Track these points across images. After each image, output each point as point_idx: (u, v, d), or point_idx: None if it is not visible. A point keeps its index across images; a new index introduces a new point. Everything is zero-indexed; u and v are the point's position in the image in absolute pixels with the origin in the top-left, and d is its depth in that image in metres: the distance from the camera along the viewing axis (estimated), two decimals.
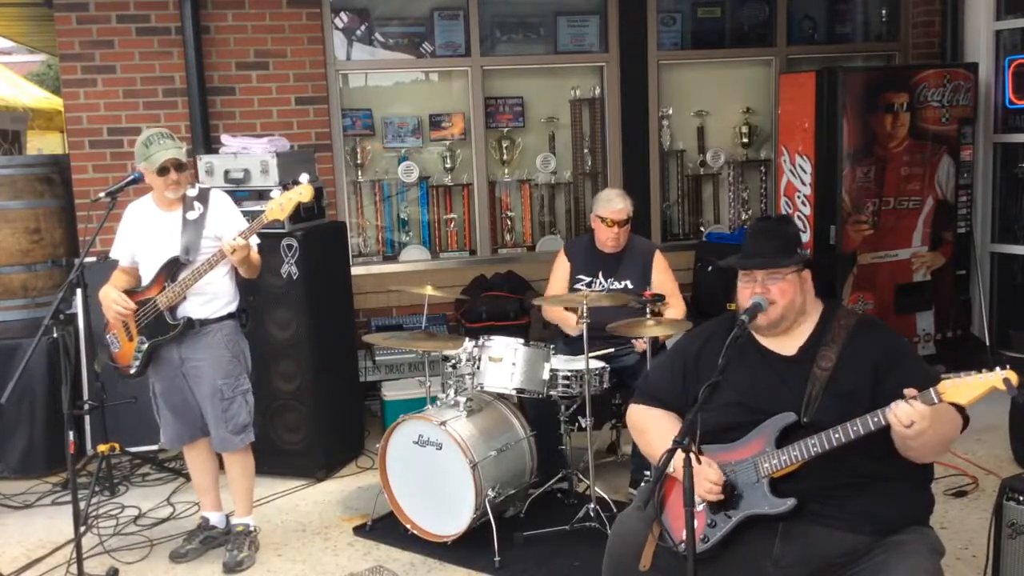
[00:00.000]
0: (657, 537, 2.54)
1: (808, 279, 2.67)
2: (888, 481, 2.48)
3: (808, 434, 2.45)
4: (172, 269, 3.78)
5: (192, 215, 3.83)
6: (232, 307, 3.93)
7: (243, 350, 3.99)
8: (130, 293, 3.84)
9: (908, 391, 2.30)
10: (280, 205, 3.69)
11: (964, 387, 2.26)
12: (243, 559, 3.95)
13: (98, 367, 4.03)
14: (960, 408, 2.39)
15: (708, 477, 2.49)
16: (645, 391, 2.87)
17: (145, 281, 3.86)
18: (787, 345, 2.65)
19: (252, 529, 4.09)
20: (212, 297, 3.85)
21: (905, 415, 2.28)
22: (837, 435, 2.39)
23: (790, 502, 2.47)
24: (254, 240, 3.82)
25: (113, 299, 3.79)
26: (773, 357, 2.65)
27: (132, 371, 3.89)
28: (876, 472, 2.46)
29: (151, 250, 3.84)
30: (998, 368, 2.24)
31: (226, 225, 3.83)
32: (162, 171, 3.74)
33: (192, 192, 3.88)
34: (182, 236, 3.79)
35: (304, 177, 3.71)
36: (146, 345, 3.82)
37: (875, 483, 2.46)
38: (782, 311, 2.60)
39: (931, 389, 2.29)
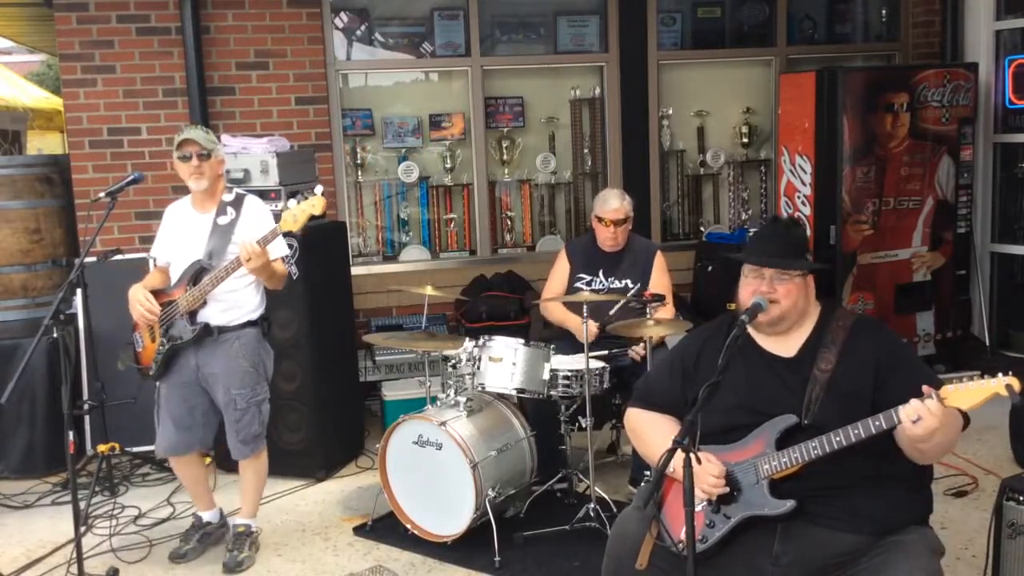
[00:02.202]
0: (655, 537, 2.54)
1: (812, 282, 2.68)
2: (888, 481, 2.48)
3: (808, 436, 2.45)
4: (194, 273, 3.76)
5: (223, 220, 3.81)
6: (254, 315, 3.89)
7: (263, 359, 3.94)
8: (158, 294, 3.82)
9: (925, 388, 2.30)
10: (294, 217, 3.61)
11: (966, 392, 2.26)
12: (243, 559, 3.94)
13: (121, 366, 4.02)
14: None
15: (710, 472, 2.49)
16: (643, 394, 2.87)
17: (172, 283, 3.86)
18: (786, 346, 2.65)
19: (254, 530, 4.08)
20: (233, 305, 3.83)
21: (914, 410, 2.27)
22: (838, 438, 2.39)
23: (790, 504, 2.47)
24: (282, 250, 3.79)
25: (139, 300, 3.77)
26: (773, 359, 2.65)
27: (151, 372, 3.87)
28: (876, 473, 2.46)
29: (180, 252, 3.84)
30: (1000, 374, 2.24)
31: (254, 233, 3.76)
32: (184, 158, 3.74)
33: (228, 197, 3.87)
34: (209, 241, 3.78)
35: (319, 189, 3.67)
36: (166, 347, 3.81)
37: (875, 484, 2.46)
38: (784, 311, 2.60)
39: (934, 393, 2.29)
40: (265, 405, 3.96)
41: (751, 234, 2.81)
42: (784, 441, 2.50)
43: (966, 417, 2.45)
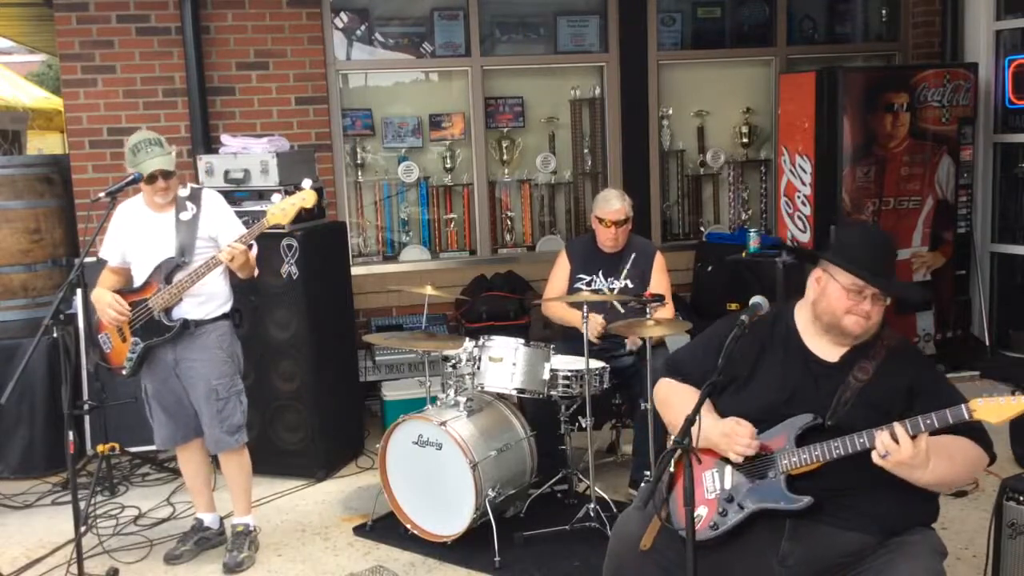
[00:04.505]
0: (664, 520, 2.53)
1: None
2: (900, 484, 2.46)
3: (830, 437, 2.45)
4: (167, 271, 3.77)
5: (185, 216, 3.82)
6: (227, 307, 3.92)
7: (236, 351, 3.98)
8: (122, 294, 3.82)
9: (898, 427, 2.32)
10: (283, 211, 3.66)
11: (996, 407, 2.26)
12: (243, 559, 3.94)
13: (90, 366, 4.04)
14: (987, 444, 2.48)
15: (742, 434, 2.50)
16: (676, 367, 2.85)
17: (138, 282, 3.85)
18: (831, 352, 2.62)
19: (252, 529, 4.08)
20: (208, 298, 3.85)
21: (880, 445, 2.32)
22: (862, 440, 2.39)
23: (806, 500, 2.47)
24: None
25: (108, 303, 3.77)
26: (813, 360, 2.63)
27: (124, 372, 3.88)
28: (890, 475, 2.44)
29: (144, 251, 3.83)
30: None
31: (220, 225, 3.82)
32: (150, 179, 3.73)
33: (184, 192, 3.87)
34: (176, 237, 3.78)
35: (307, 183, 3.69)
36: (140, 347, 3.81)
37: (887, 486, 2.44)
38: (872, 328, 2.58)
39: (962, 406, 2.30)
40: (243, 396, 3.98)
41: (846, 237, 2.74)
42: (803, 439, 2.50)
43: (992, 455, 2.50)
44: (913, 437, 2.31)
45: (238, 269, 3.74)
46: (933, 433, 2.35)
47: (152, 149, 3.70)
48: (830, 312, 2.58)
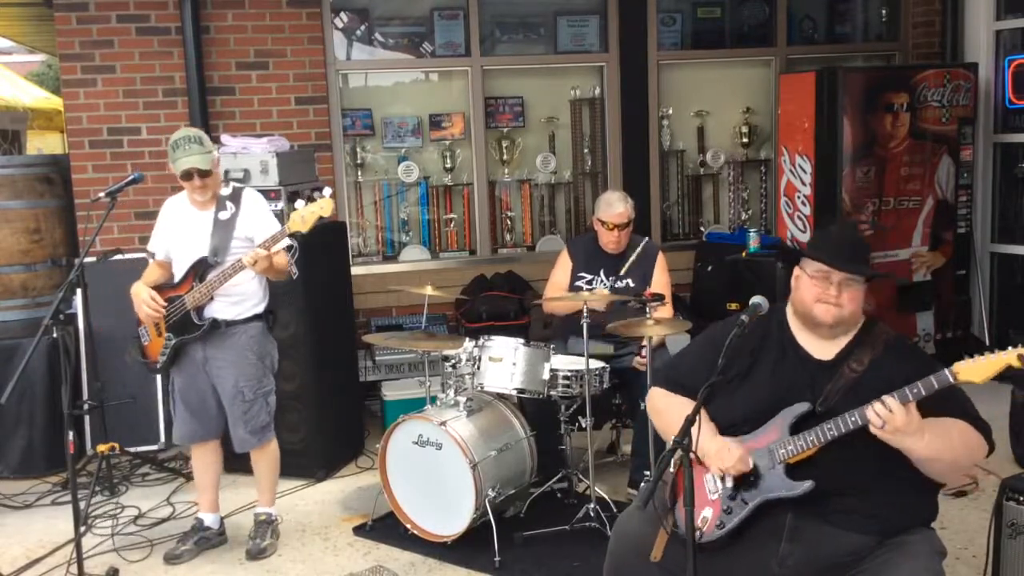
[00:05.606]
0: (670, 528, 2.54)
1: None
2: (900, 484, 2.47)
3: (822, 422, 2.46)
4: (200, 269, 3.80)
5: (224, 215, 3.84)
6: (260, 308, 3.94)
7: (270, 352, 4.01)
8: (161, 289, 3.86)
9: (887, 399, 2.34)
10: (302, 218, 3.66)
11: (978, 367, 2.29)
12: (266, 547, 4.02)
13: (129, 360, 4.06)
14: (986, 431, 2.47)
15: (733, 453, 2.51)
16: (670, 377, 2.85)
17: (176, 278, 3.89)
18: (825, 350, 2.63)
19: (275, 518, 4.15)
20: (240, 299, 3.87)
21: (874, 416, 2.33)
22: (853, 418, 2.40)
23: (807, 484, 2.47)
24: (285, 242, 3.81)
25: (144, 300, 3.81)
26: (807, 358, 2.64)
27: (159, 366, 3.92)
28: (889, 474, 2.44)
29: (182, 248, 3.87)
30: (1010, 347, 2.25)
31: (257, 227, 3.84)
32: (186, 176, 3.76)
33: (225, 191, 3.90)
34: (212, 236, 3.81)
35: (328, 191, 3.71)
36: (173, 342, 3.85)
37: (887, 485, 2.45)
38: (846, 316, 2.59)
39: (945, 370, 2.32)
40: (272, 396, 4.02)
41: (817, 232, 2.80)
42: (798, 428, 2.51)
43: (991, 443, 2.51)
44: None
45: (263, 273, 3.77)
46: (927, 407, 2.36)
47: (191, 147, 3.73)
48: (801, 303, 2.62)
